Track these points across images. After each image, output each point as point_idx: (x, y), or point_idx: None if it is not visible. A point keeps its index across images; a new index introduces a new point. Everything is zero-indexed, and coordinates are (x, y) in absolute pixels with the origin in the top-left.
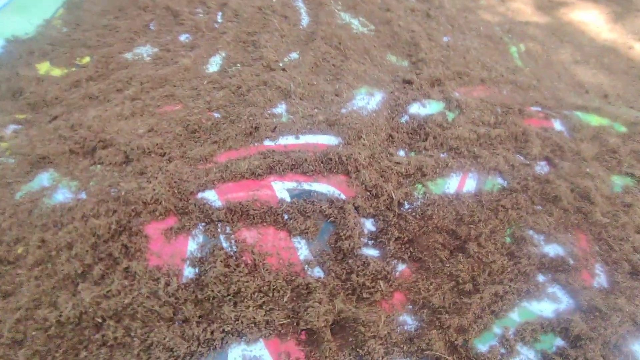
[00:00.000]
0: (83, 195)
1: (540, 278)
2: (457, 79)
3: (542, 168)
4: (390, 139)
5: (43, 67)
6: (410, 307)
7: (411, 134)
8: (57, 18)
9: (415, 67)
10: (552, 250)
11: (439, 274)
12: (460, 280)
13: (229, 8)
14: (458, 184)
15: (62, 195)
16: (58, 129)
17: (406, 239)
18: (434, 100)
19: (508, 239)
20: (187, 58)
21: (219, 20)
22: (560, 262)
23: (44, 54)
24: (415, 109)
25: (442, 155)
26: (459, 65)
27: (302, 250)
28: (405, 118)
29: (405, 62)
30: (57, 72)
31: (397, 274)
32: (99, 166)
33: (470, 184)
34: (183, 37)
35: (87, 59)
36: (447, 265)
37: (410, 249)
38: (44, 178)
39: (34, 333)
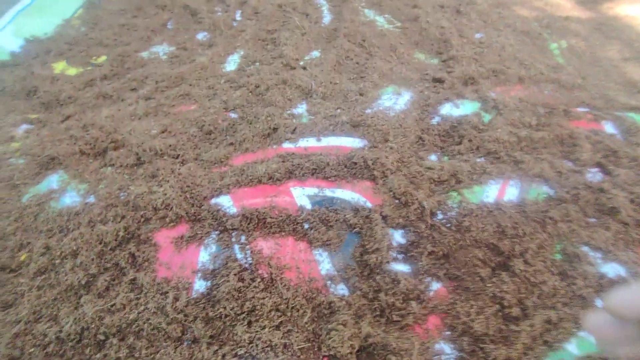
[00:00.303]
0: (91, 199)
1: (599, 303)
2: (492, 78)
3: (594, 175)
4: (421, 141)
5: (59, 67)
6: (448, 333)
7: (443, 136)
8: (76, 18)
9: (445, 65)
10: (612, 270)
11: (480, 295)
12: (506, 304)
13: (248, 6)
14: (498, 192)
15: (70, 199)
16: (70, 129)
17: (441, 253)
18: (468, 100)
19: (558, 256)
20: (204, 56)
21: (238, 18)
22: (621, 284)
23: (61, 53)
24: (447, 109)
25: (478, 160)
26: (494, 62)
27: (324, 263)
28: (436, 119)
29: (435, 60)
30: (72, 71)
31: (432, 293)
32: (109, 168)
33: (512, 192)
34: (201, 36)
35: (103, 58)
36: (489, 285)
37: (446, 265)
38: (53, 180)
39: (31, 350)
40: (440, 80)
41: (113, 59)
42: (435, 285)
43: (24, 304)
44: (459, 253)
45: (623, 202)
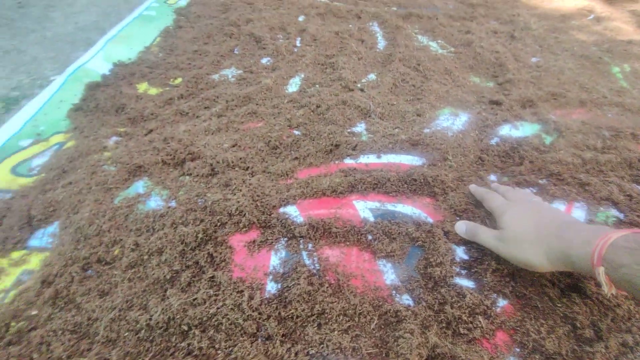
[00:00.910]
0: (173, 204)
1: None
2: (551, 101)
3: None
4: (480, 161)
5: (142, 87)
6: (518, 350)
7: (503, 157)
8: (155, 45)
9: (502, 88)
10: None
11: (550, 314)
12: (578, 325)
13: (307, 33)
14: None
15: (155, 203)
16: (152, 142)
17: (506, 271)
18: (527, 122)
19: None
20: (268, 79)
21: (298, 45)
22: None
23: (143, 75)
24: (506, 130)
25: (541, 181)
26: (552, 86)
27: (389, 274)
28: (495, 140)
29: (491, 83)
30: (153, 91)
31: (499, 309)
32: (187, 177)
33: (578, 215)
34: (265, 60)
35: (179, 80)
36: (560, 305)
37: (512, 283)
38: (139, 186)
39: (126, 334)
40: (497, 103)
41: (188, 80)
42: (502, 302)
43: (117, 293)
44: (525, 272)
45: None
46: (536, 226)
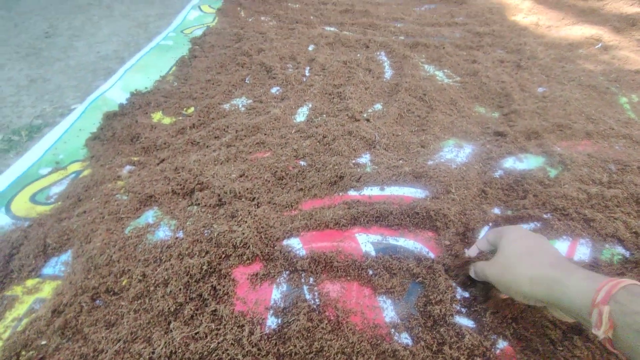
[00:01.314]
0: (180, 234)
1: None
2: (557, 132)
3: None
4: (483, 194)
5: (156, 116)
6: None
7: (507, 190)
8: (170, 74)
9: (507, 119)
10: None
11: (551, 358)
12: None
13: (316, 63)
14: (568, 249)
15: (163, 233)
16: (164, 171)
17: (507, 310)
18: (532, 155)
19: None
20: (277, 108)
21: (307, 74)
22: None
23: (158, 104)
24: (510, 163)
25: (545, 215)
26: (558, 117)
27: (388, 311)
28: (499, 172)
29: (496, 114)
30: (167, 120)
31: (498, 351)
32: (195, 207)
33: (582, 252)
34: (274, 90)
35: (191, 109)
36: (561, 348)
37: (513, 324)
38: (149, 215)
39: None
40: (502, 134)
41: (200, 110)
42: (502, 344)
43: (123, 325)
44: (527, 313)
45: None
46: (529, 248)
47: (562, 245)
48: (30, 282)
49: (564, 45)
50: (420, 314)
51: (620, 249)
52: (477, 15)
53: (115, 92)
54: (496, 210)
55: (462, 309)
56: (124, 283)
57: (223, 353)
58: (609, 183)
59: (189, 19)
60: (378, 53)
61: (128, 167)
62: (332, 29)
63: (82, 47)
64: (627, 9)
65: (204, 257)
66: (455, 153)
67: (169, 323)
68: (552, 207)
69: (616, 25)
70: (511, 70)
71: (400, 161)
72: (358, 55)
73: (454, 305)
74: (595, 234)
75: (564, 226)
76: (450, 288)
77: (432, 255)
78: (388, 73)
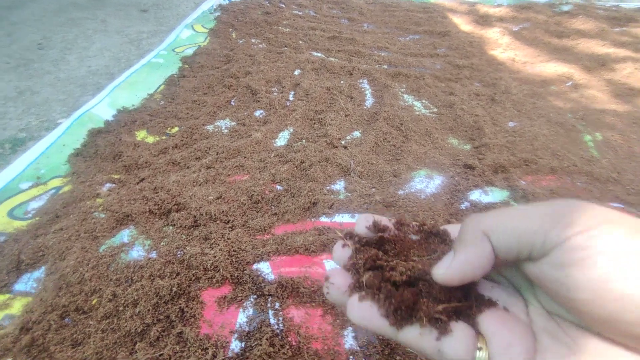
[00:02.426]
0: (154, 255)
1: None
2: (523, 167)
3: None
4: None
5: (141, 134)
6: None
7: None
8: (158, 93)
9: (477, 152)
10: None
11: None
12: None
13: (300, 88)
14: None
15: (137, 253)
16: (143, 190)
17: None
18: (497, 188)
19: None
20: (259, 132)
21: (291, 99)
22: None
23: (143, 123)
24: (476, 195)
25: None
26: (526, 151)
27: (348, 338)
28: (465, 204)
29: (468, 146)
30: (150, 139)
31: None
32: (170, 227)
33: None
34: (258, 113)
35: (175, 129)
36: None
37: None
38: (125, 234)
39: None
40: (471, 167)
41: (184, 130)
42: None
43: (89, 344)
44: None
45: None
46: None
47: None
48: (1, 298)
49: (537, 81)
50: (379, 342)
51: None
52: (458, 48)
53: (102, 108)
54: None
55: None
56: (94, 302)
57: None
58: None
59: (181, 38)
60: (361, 81)
61: (108, 185)
62: (319, 54)
63: (73, 60)
64: (598, 49)
65: (174, 278)
66: (426, 184)
67: (135, 344)
68: None
69: (587, 64)
70: (485, 103)
71: (373, 189)
72: (341, 82)
73: None
74: None
75: None
76: None
77: None
78: (369, 101)
